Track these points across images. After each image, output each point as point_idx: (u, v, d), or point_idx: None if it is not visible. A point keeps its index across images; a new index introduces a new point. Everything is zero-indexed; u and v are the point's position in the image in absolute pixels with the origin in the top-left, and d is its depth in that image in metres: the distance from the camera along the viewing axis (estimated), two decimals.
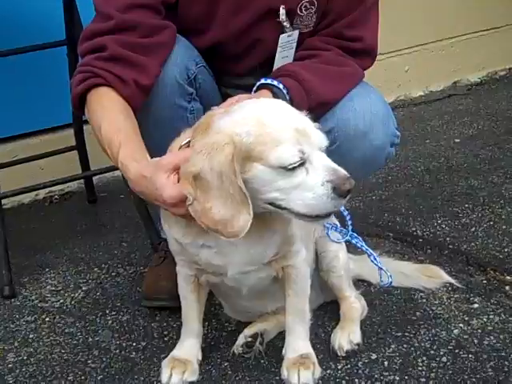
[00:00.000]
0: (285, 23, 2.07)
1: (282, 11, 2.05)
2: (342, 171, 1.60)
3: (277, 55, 2.11)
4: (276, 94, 1.97)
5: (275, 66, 2.12)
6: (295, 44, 2.12)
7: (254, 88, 2.01)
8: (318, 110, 2.07)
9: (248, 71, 2.17)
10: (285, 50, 2.11)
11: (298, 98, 1.99)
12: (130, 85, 1.88)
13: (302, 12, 2.08)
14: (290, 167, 1.57)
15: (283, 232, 1.79)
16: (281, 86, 1.97)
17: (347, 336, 1.99)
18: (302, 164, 1.58)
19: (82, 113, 1.97)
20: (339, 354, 1.97)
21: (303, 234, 1.92)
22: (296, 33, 2.11)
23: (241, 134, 1.57)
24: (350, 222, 2.00)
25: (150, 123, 1.95)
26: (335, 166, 1.61)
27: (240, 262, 1.79)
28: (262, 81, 2.00)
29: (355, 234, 2.09)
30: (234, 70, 2.19)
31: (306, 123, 1.63)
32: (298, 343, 1.91)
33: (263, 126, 1.57)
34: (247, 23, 2.05)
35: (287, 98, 1.97)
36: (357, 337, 1.99)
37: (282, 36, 2.08)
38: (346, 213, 2.04)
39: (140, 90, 1.90)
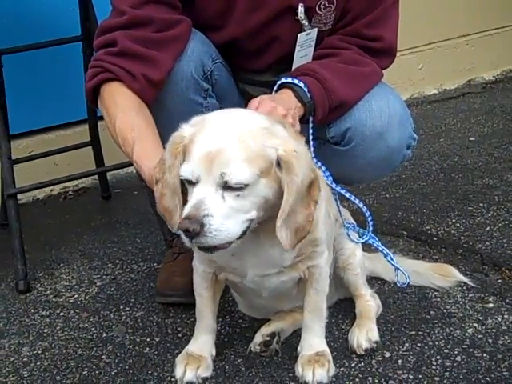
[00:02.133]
0: (303, 21, 2.07)
1: (301, 9, 2.05)
2: (186, 210, 1.55)
3: (295, 54, 2.10)
4: (297, 93, 1.97)
5: (294, 65, 2.11)
6: (314, 42, 2.12)
7: (275, 87, 2.01)
8: (337, 110, 2.07)
9: (266, 68, 2.17)
10: (303, 49, 2.10)
11: (318, 97, 1.98)
12: (140, 79, 1.89)
13: (320, 10, 2.08)
14: (189, 182, 1.59)
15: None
16: (302, 85, 1.97)
17: (365, 334, 1.98)
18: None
19: (97, 106, 2.00)
20: (358, 352, 1.97)
21: (331, 234, 1.93)
22: (314, 31, 2.10)
23: (188, 136, 1.62)
24: (371, 223, 2.00)
25: (164, 118, 1.96)
26: (194, 201, 1.55)
27: (258, 265, 1.78)
28: (283, 80, 2.00)
29: (372, 235, 2.10)
30: (252, 66, 2.19)
31: (223, 149, 1.54)
32: (314, 341, 1.91)
33: (198, 136, 1.59)
34: (265, 20, 2.05)
35: (308, 96, 1.97)
36: (375, 335, 1.99)
37: (300, 35, 2.08)
38: (367, 214, 2.05)
39: (150, 84, 1.91)
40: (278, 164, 1.58)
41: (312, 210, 1.63)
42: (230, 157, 1.53)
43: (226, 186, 1.54)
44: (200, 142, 1.57)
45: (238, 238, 1.60)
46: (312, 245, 1.81)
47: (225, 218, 1.54)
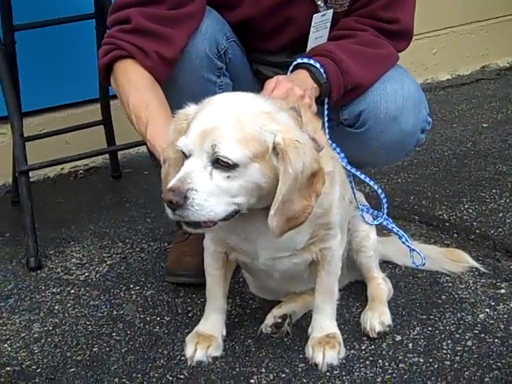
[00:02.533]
0: (319, 2, 2.05)
1: None
2: (171, 182, 1.54)
3: (310, 35, 2.08)
4: (313, 73, 1.95)
5: (309, 46, 2.10)
6: (329, 24, 2.10)
7: (291, 67, 2.00)
8: (352, 92, 2.05)
9: (280, 48, 2.15)
10: (318, 30, 2.08)
11: (334, 77, 1.97)
12: (152, 56, 1.88)
13: None
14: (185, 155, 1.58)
15: (316, 219, 1.75)
16: (318, 65, 1.95)
17: (378, 317, 1.98)
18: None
19: (110, 84, 1.99)
20: (371, 335, 1.96)
21: (345, 217, 1.92)
22: (330, 12, 2.08)
23: (192, 113, 1.63)
24: (386, 205, 1.99)
25: (177, 96, 1.95)
26: (181, 173, 1.54)
27: (270, 248, 1.78)
28: (299, 60, 1.98)
29: (386, 217, 2.09)
30: (266, 47, 2.17)
31: (218, 127, 1.54)
32: (325, 322, 1.91)
33: (200, 113, 1.59)
34: (280, 1, 2.03)
35: (324, 77, 1.95)
36: (388, 318, 1.99)
37: (315, 15, 2.06)
38: (382, 195, 2.04)
39: (163, 61, 1.90)
40: (276, 151, 1.55)
41: (312, 202, 1.59)
42: (223, 134, 1.53)
43: (217, 165, 1.53)
44: (199, 119, 1.58)
45: (222, 220, 1.59)
46: (325, 228, 1.80)
47: (209, 195, 1.53)
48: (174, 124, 1.67)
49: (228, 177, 1.53)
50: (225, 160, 1.52)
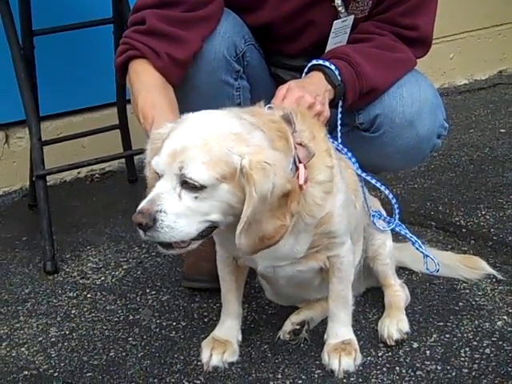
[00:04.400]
0: (340, 8, 2.04)
1: None
2: (141, 204, 1.55)
3: (329, 40, 2.08)
4: (328, 75, 1.95)
5: (327, 51, 2.09)
6: (349, 29, 2.10)
7: (306, 69, 2.00)
8: (368, 95, 2.04)
9: (299, 52, 2.15)
10: (338, 36, 2.08)
11: (349, 80, 1.96)
12: (164, 58, 1.89)
13: None
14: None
15: (314, 229, 1.74)
16: (333, 67, 1.95)
17: (396, 325, 1.97)
18: None
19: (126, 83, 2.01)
20: (388, 342, 1.95)
21: (355, 225, 1.91)
22: (351, 18, 2.08)
23: (167, 133, 1.62)
24: (397, 211, 1.97)
25: (194, 97, 1.96)
26: (151, 195, 1.55)
27: (267, 257, 1.76)
28: (314, 62, 1.98)
29: (399, 222, 2.08)
30: (286, 50, 2.17)
31: (186, 148, 1.53)
32: (341, 329, 1.90)
33: (172, 133, 1.59)
34: (301, 6, 2.03)
35: (339, 79, 1.95)
36: (406, 326, 1.98)
37: (335, 22, 2.06)
38: (394, 201, 2.02)
39: (174, 63, 1.91)
40: (243, 173, 1.54)
41: (286, 222, 1.57)
42: (190, 156, 1.53)
43: (185, 186, 1.53)
44: (171, 139, 1.58)
45: (195, 239, 1.59)
46: (327, 237, 1.78)
47: (178, 217, 1.53)
48: (150, 143, 1.68)
49: (196, 197, 1.54)
50: (191, 182, 1.52)
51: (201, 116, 1.63)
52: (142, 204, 1.55)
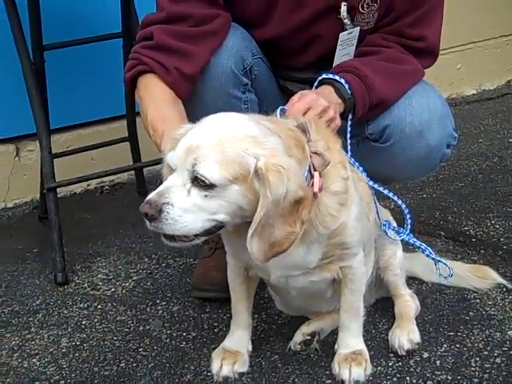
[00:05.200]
0: (345, 20, 2.06)
1: (344, 8, 2.04)
2: (151, 195, 1.57)
3: (336, 53, 2.09)
4: (338, 89, 1.96)
5: (335, 64, 2.11)
6: (356, 41, 2.11)
7: (316, 83, 2.01)
8: (377, 107, 2.06)
9: (307, 65, 2.17)
10: (344, 48, 2.10)
11: (359, 93, 1.98)
12: (173, 72, 1.91)
13: (363, 9, 2.06)
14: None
15: (328, 240, 1.74)
16: (343, 81, 1.96)
17: (407, 335, 1.97)
18: None
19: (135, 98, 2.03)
20: (399, 353, 1.95)
21: (367, 236, 1.91)
22: (357, 30, 2.09)
23: (185, 132, 1.64)
24: (409, 221, 1.98)
25: (202, 111, 1.96)
26: (161, 188, 1.57)
27: (280, 267, 1.76)
28: (324, 75, 1.99)
29: (409, 232, 2.08)
30: (293, 63, 2.18)
31: (202, 146, 1.55)
32: (351, 340, 1.90)
33: (190, 131, 1.61)
34: (307, 19, 2.05)
35: (349, 92, 1.96)
36: (416, 336, 1.97)
37: (341, 34, 2.07)
38: (406, 211, 2.03)
39: (183, 77, 1.93)
40: (257, 175, 1.54)
41: (296, 229, 1.57)
42: (204, 154, 1.54)
43: (196, 182, 1.54)
44: (187, 136, 1.60)
45: (199, 235, 1.60)
46: (340, 248, 1.78)
47: (184, 212, 1.54)
48: (170, 141, 1.70)
49: (206, 196, 1.55)
50: (202, 179, 1.53)
51: (219, 117, 1.65)
52: (151, 195, 1.57)
